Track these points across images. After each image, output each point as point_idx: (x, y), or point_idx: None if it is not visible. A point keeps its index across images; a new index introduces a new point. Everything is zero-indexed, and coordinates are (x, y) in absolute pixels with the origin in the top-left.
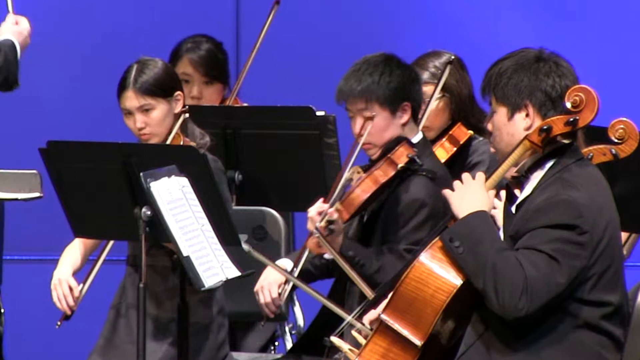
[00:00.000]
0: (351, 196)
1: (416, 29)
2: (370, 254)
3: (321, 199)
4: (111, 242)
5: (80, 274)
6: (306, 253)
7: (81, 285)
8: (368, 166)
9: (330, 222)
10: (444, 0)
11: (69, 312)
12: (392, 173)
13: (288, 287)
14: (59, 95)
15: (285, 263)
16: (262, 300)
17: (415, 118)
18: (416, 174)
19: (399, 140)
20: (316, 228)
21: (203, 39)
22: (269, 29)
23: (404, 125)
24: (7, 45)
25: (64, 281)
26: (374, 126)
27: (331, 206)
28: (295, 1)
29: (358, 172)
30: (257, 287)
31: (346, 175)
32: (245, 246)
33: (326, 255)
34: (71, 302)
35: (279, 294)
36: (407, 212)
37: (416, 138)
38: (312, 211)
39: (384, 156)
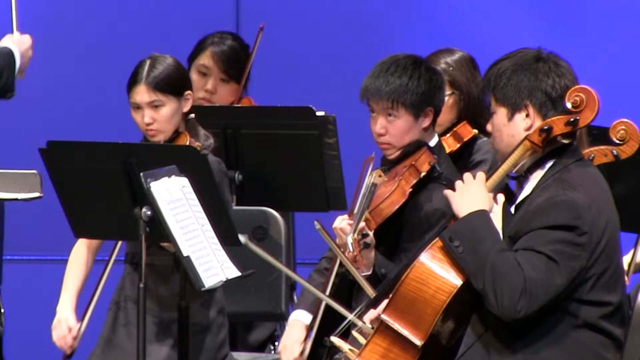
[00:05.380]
0: (380, 206)
1: (417, 29)
2: (396, 269)
3: (346, 215)
4: (109, 267)
5: (80, 305)
6: (336, 268)
7: (79, 323)
8: (387, 168)
9: (364, 235)
10: (446, 1)
11: (68, 352)
12: (414, 181)
13: (308, 345)
14: (59, 95)
15: (302, 315)
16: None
17: (434, 122)
18: (436, 182)
19: (419, 145)
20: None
21: (230, 36)
22: (262, 37)
23: (424, 129)
24: (5, 53)
25: (63, 321)
26: (396, 128)
27: (361, 216)
28: (295, 1)
29: (380, 176)
30: (280, 347)
31: (368, 180)
32: (242, 238)
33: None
34: (70, 342)
35: (301, 353)
36: (428, 221)
37: (433, 142)
38: (340, 223)
39: (403, 159)
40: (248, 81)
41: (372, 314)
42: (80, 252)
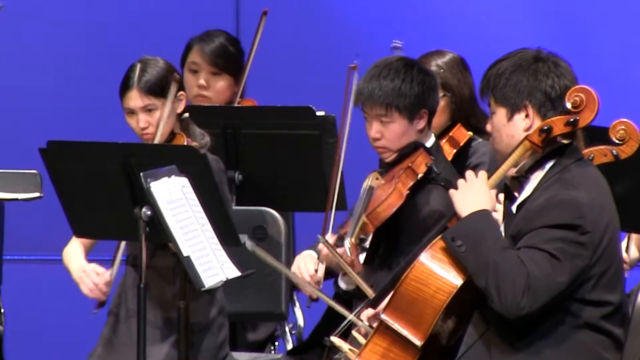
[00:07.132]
0: (378, 209)
1: (416, 29)
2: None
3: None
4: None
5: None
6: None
7: (110, 269)
8: (384, 170)
9: (362, 239)
10: (444, 0)
11: (104, 298)
12: (412, 183)
13: (323, 266)
14: (59, 95)
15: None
16: (302, 280)
17: (429, 123)
18: (433, 183)
19: (415, 146)
20: (324, 241)
21: (217, 32)
22: (262, 36)
23: (420, 130)
24: None
25: (90, 271)
26: (391, 131)
27: (358, 220)
28: (295, 1)
29: (377, 179)
30: (294, 267)
31: (366, 182)
32: (248, 243)
33: (342, 285)
34: (104, 288)
35: (316, 270)
36: (426, 223)
37: (430, 142)
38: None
39: (400, 161)
40: (243, 75)
41: (369, 312)
42: (74, 244)
